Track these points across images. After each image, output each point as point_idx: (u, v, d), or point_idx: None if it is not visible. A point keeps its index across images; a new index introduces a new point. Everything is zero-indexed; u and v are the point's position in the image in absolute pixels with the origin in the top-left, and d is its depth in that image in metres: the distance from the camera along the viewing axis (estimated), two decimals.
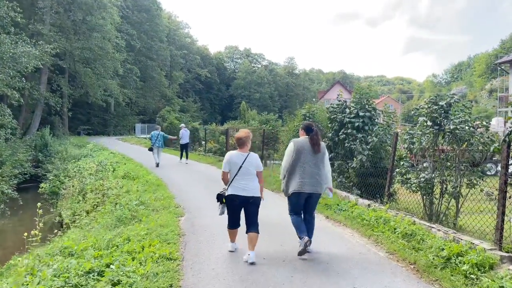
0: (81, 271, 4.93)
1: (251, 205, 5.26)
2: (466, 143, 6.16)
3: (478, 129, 5.99)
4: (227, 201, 5.27)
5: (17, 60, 19.77)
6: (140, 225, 7.00)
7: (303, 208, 5.47)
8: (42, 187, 16.34)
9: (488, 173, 12.91)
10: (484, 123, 6.47)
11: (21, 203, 15.91)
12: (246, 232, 5.25)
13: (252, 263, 5.04)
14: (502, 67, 31.63)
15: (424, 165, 7.07)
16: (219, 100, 79.52)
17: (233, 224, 5.42)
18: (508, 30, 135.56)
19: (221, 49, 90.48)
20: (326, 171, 5.47)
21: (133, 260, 5.12)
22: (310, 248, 5.37)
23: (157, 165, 16.34)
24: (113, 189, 12.44)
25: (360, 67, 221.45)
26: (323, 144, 5.48)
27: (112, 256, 5.41)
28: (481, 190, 6.35)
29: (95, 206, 11.83)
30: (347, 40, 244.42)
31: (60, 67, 33.20)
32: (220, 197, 5.39)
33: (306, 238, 5.17)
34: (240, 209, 5.34)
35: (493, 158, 11.94)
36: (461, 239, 5.24)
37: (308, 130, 5.45)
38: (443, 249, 5.11)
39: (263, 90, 77.71)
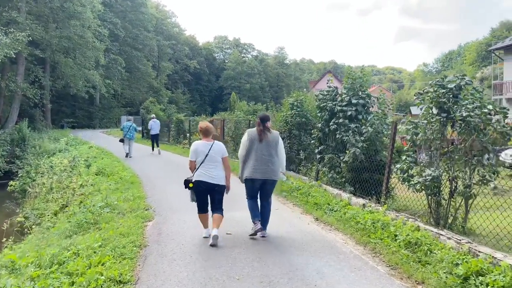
0: None
1: (216, 192, 5.62)
2: (478, 132, 5.18)
3: (495, 116, 5.00)
4: (195, 186, 5.54)
5: None
6: (95, 234, 5.94)
7: (258, 194, 5.80)
8: (11, 185, 15.14)
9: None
10: (498, 109, 5.48)
11: None
12: (212, 214, 5.66)
13: (215, 236, 5.36)
14: (496, 54, 30.82)
15: (423, 157, 6.11)
16: (209, 91, 78.14)
17: (201, 209, 5.68)
18: (498, 18, 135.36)
19: (210, 39, 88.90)
20: (281, 158, 5.80)
21: (72, 286, 4.08)
22: (266, 233, 5.77)
23: (126, 155, 16.65)
24: (83, 187, 11.38)
25: (351, 57, 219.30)
26: (275, 133, 5.85)
27: (53, 278, 4.39)
28: (494, 188, 5.40)
29: (62, 207, 10.75)
30: (337, 30, 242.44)
31: (38, 58, 31.63)
32: (186, 182, 5.59)
33: (259, 226, 5.66)
34: (207, 195, 5.63)
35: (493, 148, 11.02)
36: (479, 251, 4.26)
37: (260, 120, 5.82)
38: (457, 264, 4.14)
39: (254, 81, 76.42)
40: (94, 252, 5.06)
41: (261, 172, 5.58)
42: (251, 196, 5.84)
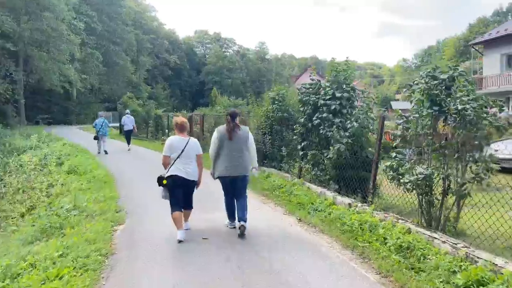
0: None
1: (189, 187, 5.64)
2: (473, 126, 4.83)
3: (492, 110, 4.66)
4: (170, 182, 5.41)
5: None
6: (57, 242, 5.38)
7: (233, 190, 5.75)
8: None
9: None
10: (491, 102, 5.15)
11: None
12: (182, 209, 5.61)
13: (187, 229, 5.65)
14: (476, 48, 31.04)
15: (411, 153, 5.76)
16: (190, 86, 77.00)
17: (175, 206, 5.50)
18: (477, 14, 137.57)
19: (191, 34, 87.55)
20: (252, 154, 5.79)
21: None
22: (245, 229, 5.50)
23: (99, 153, 16.35)
24: (53, 187, 10.73)
25: (332, 53, 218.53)
26: (245, 129, 5.84)
27: None
28: (487, 185, 5.07)
29: (30, 208, 10.07)
30: (319, 25, 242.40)
31: (10, 51, 30.30)
32: (160, 180, 5.45)
33: (235, 225, 5.72)
34: (180, 190, 5.52)
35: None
36: (478, 257, 3.91)
37: (230, 117, 5.76)
38: (455, 272, 3.78)
39: (235, 76, 75.68)
40: (54, 263, 4.52)
41: (231, 169, 5.59)
42: (226, 193, 5.91)
